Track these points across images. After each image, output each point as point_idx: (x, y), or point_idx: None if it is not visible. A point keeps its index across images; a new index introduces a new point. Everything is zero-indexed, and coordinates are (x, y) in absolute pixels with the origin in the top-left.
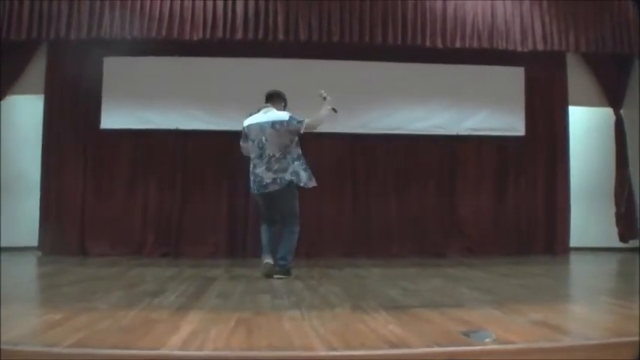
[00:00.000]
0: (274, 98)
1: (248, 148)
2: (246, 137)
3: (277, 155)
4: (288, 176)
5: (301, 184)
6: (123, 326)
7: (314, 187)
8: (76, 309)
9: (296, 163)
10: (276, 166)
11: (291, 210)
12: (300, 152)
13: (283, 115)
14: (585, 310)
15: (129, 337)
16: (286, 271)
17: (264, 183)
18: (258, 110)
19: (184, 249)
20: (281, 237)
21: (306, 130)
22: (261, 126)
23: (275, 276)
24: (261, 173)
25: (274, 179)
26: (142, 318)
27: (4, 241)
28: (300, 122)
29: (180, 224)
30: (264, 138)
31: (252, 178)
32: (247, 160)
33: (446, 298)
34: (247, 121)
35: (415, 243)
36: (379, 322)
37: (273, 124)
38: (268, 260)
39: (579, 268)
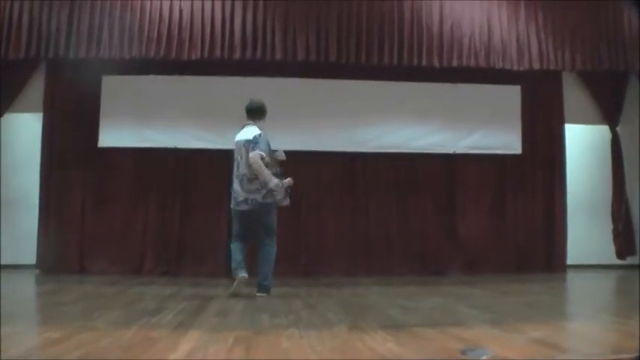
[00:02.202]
0: (254, 113)
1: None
2: (239, 152)
3: (249, 175)
4: (260, 198)
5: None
6: (122, 344)
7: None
8: (75, 327)
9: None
10: (248, 186)
11: (266, 228)
12: (275, 172)
13: (249, 134)
14: (584, 328)
15: (128, 355)
16: (268, 290)
17: (239, 200)
18: (242, 127)
19: (184, 267)
20: (259, 256)
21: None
22: (238, 144)
23: (258, 294)
24: (236, 190)
25: (246, 199)
26: (141, 336)
27: (2, 259)
28: (254, 149)
29: (180, 243)
30: (239, 157)
31: (233, 193)
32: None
33: (445, 316)
34: (237, 138)
35: (415, 261)
36: (377, 341)
37: (245, 142)
38: (244, 274)
39: (578, 285)
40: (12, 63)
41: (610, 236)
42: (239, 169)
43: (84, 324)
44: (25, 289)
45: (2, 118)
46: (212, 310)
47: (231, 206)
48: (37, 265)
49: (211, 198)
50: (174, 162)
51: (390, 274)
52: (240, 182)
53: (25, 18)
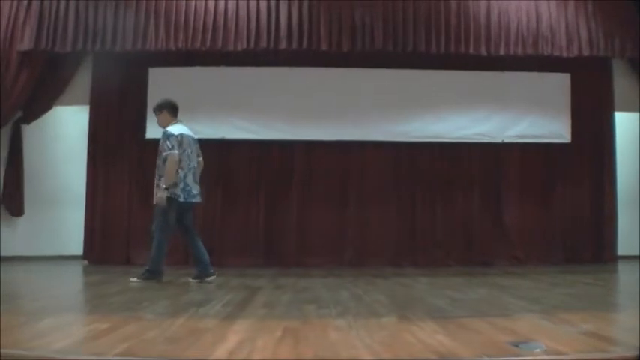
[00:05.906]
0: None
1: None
2: (180, 145)
3: (197, 170)
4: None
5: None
6: (169, 336)
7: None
8: (122, 318)
9: None
10: (197, 180)
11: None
12: None
13: (192, 133)
14: (636, 320)
15: (175, 346)
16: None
17: (193, 193)
18: (178, 122)
19: (228, 258)
20: (196, 245)
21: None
22: (192, 139)
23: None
24: (190, 183)
25: (199, 192)
26: (188, 327)
27: (51, 250)
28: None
29: (223, 233)
30: (190, 151)
31: (180, 186)
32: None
33: (493, 308)
34: (180, 130)
35: (461, 251)
36: (426, 332)
37: (195, 140)
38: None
39: (628, 276)
40: (59, 57)
41: None
42: (191, 162)
43: (131, 315)
44: (72, 280)
45: (50, 112)
46: (259, 301)
47: (181, 200)
48: (84, 256)
49: (251, 188)
50: (217, 153)
51: (436, 264)
52: (194, 175)
53: (72, 12)
